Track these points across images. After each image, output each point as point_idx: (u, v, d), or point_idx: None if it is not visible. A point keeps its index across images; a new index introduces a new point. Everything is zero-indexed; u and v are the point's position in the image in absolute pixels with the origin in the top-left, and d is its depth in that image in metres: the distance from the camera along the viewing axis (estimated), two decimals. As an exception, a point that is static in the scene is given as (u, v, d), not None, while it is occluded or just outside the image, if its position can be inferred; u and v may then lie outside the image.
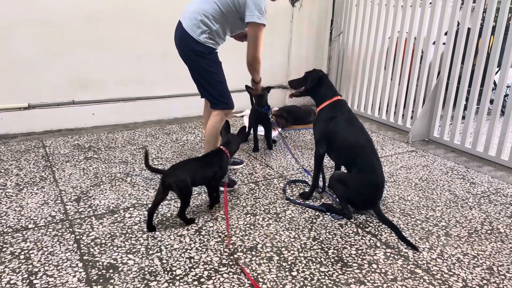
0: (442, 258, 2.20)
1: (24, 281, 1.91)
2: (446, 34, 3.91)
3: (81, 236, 2.28)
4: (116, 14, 3.93)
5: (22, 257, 2.09)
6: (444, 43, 3.95)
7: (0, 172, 3.03)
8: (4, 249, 2.14)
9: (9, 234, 2.28)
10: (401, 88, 4.32)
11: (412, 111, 4.28)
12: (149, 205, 2.50)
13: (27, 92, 3.78)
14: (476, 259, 2.21)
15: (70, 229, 2.34)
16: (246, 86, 3.36)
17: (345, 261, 2.15)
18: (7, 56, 3.62)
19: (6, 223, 2.38)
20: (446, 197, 2.90)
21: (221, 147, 2.65)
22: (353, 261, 2.15)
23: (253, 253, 2.19)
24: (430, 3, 3.99)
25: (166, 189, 2.36)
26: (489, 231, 2.48)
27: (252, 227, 2.43)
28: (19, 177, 2.96)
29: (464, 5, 3.71)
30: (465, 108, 3.82)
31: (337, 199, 2.65)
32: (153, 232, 2.33)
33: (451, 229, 2.49)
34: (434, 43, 4.03)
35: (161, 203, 2.61)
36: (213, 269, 2.05)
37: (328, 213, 2.59)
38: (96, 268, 2.02)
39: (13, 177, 2.95)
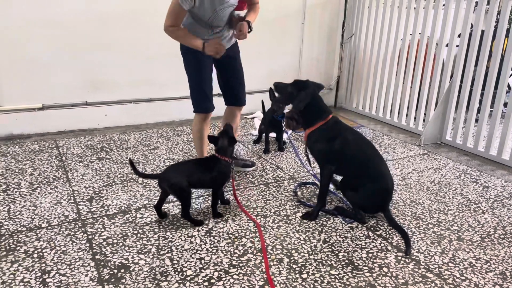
0: (454, 263, 2.18)
1: (38, 280, 1.94)
2: (459, 36, 3.88)
3: (93, 236, 2.30)
4: (128, 16, 3.97)
5: (35, 255, 2.12)
6: (457, 46, 3.91)
7: (14, 171, 3.08)
8: (18, 248, 2.17)
9: (23, 233, 2.31)
10: (413, 91, 4.29)
11: (424, 114, 4.25)
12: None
13: (41, 93, 3.83)
14: (488, 264, 2.19)
15: (82, 229, 2.37)
16: (270, 89, 3.36)
17: (356, 264, 2.14)
18: (23, 57, 3.68)
19: (20, 222, 2.41)
20: (458, 201, 2.87)
21: (215, 153, 2.55)
22: (364, 264, 2.14)
23: (263, 254, 2.19)
24: (443, 5, 3.96)
25: (165, 191, 2.43)
26: (502, 236, 2.45)
27: (262, 229, 2.43)
28: (33, 176, 3.01)
29: (477, 7, 3.68)
30: (478, 111, 3.78)
31: (348, 202, 2.64)
32: (164, 232, 2.35)
33: (463, 233, 2.46)
34: (447, 45, 4.00)
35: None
36: (223, 270, 2.05)
37: (340, 217, 2.58)
38: (108, 268, 2.04)
39: (27, 177, 2.99)
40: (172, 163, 3.24)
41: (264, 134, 3.74)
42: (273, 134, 3.80)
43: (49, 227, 2.37)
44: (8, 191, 2.78)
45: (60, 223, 2.42)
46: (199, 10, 2.56)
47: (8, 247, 2.17)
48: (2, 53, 3.60)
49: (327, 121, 2.54)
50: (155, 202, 2.51)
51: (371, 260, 2.18)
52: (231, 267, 2.08)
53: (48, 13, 3.69)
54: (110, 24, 3.92)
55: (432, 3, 4.03)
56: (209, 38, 2.67)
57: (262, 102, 3.89)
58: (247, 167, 3.23)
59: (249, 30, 2.68)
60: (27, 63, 3.71)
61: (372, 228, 2.48)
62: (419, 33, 4.17)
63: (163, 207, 2.53)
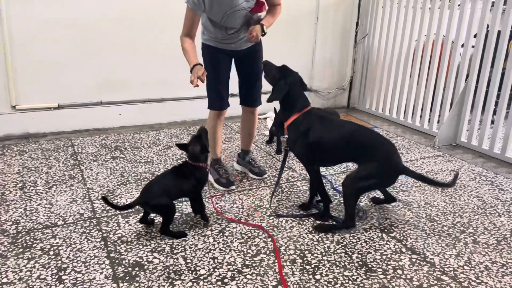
0: (470, 266, 2.16)
1: (54, 276, 1.97)
2: (475, 36, 3.83)
3: (108, 234, 2.32)
4: (143, 17, 4.01)
5: (51, 253, 2.15)
6: (473, 46, 3.87)
7: (31, 170, 3.12)
8: (34, 245, 2.20)
9: (39, 230, 2.35)
10: (427, 91, 4.25)
11: (439, 115, 4.20)
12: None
13: (57, 92, 3.88)
14: (505, 267, 2.15)
15: (97, 227, 2.39)
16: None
17: (369, 266, 2.13)
18: (39, 57, 3.74)
19: (37, 220, 2.45)
20: (474, 203, 2.83)
21: (187, 160, 2.42)
22: (378, 266, 2.13)
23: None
24: (459, 5, 3.91)
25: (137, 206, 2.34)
26: (519, 239, 2.42)
27: (275, 229, 2.43)
28: (49, 175, 3.05)
29: (494, 7, 3.63)
30: (494, 112, 3.73)
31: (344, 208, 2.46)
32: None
33: (479, 236, 2.43)
34: (462, 45, 3.95)
35: (186, 202, 2.64)
36: (236, 270, 2.06)
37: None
38: (122, 266, 2.06)
39: (43, 175, 3.04)
40: (149, 179, 2.94)
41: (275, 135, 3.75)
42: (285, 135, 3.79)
43: (65, 225, 2.40)
44: (24, 189, 2.82)
45: (76, 221, 2.45)
46: (210, 13, 2.61)
47: (25, 244, 2.21)
48: (20, 53, 3.66)
49: (302, 113, 2.46)
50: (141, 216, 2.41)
51: (385, 262, 2.16)
52: (244, 267, 2.08)
53: (65, 13, 3.74)
54: (125, 25, 3.96)
55: (447, 3, 3.99)
56: (225, 38, 2.70)
57: (274, 108, 3.90)
58: (257, 175, 3.12)
59: (263, 33, 2.68)
60: (44, 63, 3.77)
61: (386, 230, 2.46)
62: (434, 33, 4.13)
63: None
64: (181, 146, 2.45)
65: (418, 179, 2.46)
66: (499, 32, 3.66)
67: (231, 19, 2.63)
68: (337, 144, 2.41)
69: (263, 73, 2.65)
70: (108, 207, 2.59)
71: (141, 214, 2.42)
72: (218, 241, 2.29)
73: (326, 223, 2.50)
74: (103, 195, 2.49)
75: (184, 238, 2.30)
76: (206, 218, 2.46)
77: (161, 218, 2.32)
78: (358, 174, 2.39)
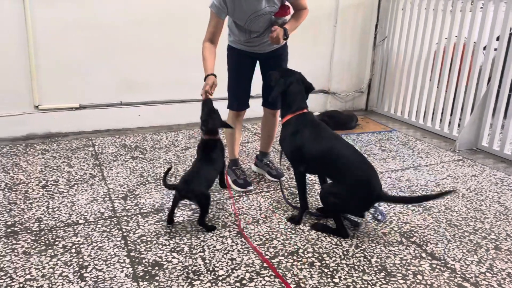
0: (492, 272, 2.12)
1: (76, 274, 2.00)
2: (497, 39, 3.77)
3: (128, 233, 2.36)
4: (163, 19, 4.05)
5: (73, 251, 2.18)
6: (495, 49, 3.80)
7: (53, 169, 3.18)
8: (56, 243, 2.25)
9: (61, 228, 2.39)
10: (448, 95, 4.19)
11: (460, 119, 4.14)
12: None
13: (78, 93, 3.95)
14: (528, 275, 2.11)
15: (117, 226, 2.43)
16: None
17: (389, 270, 2.11)
18: (62, 58, 3.81)
19: (59, 218, 2.50)
20: (495, 209, 2.78)
21: (207, 136, 2.56)
22: (397, 271, 2.11)
23: (294, 257, 2.19)
24: (481, 7, 3.85)
25: (181, 199, 2.43)
26: (542, 247, 2.37)
27: (293, 231, 2.43)
28: (70, 174, 3.10)
29: (518, 9, 3.56)
30: (517, 116, 3.66)
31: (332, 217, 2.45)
32: (196, 232, 2.38)
33: (501, 243, 2.39)
34: (484, 48, 3.89)
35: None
36: (254, 272, 2.06)
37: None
38: (142, 265, 2.09)
39: (65, 174, 3.09)
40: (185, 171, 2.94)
41: None
42: None
43: (86, 224, 2.44)
44: (47, 187, 2.88)
45: (96, 219, 2.49)
46: (233, 16, 2.65)
47: (47, 242, 2.25)
48: (43, 54, 3.74)
49: (295, 115, 2.49)
50: (169, 209, 2.45)
51: (405, 267, 2.14)
52: (263, 269, 2.09)
53: (87, 15, 3.80)
54: (146, 27, 4.01)
55: (469, 5, 3.93)
56: (248, 41, 2.75)
57: None
58: (275, 177, 3.11)
59: (285, 37, 2.69)
60: (66, 64, 3.84)
61: (405, 235, 2.44)
62: (456, 36, 4.07)
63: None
64: (206, 121, 2.53)
65: (400, 202, 2.38)
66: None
67: (254, 23, 2.65)
68: (315, 155, 2.40)
69: (267, 81, 2.70)
70: (128, 207, 2.64)
71: (166, 215, 2.46)
72: (236, 242, 2.30)
73: (322, 222, 2.51)
74: (169, 167, 2.62)
75: (203, 239, 2.32)
76: (225, 186, 2.72)
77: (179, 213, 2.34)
78: (329, 188, 2.38)
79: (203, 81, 2.62)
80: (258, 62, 2.93)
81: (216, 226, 2.45)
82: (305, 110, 2.52)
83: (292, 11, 2.77)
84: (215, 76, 2.62)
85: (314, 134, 2.42)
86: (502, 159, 3.70)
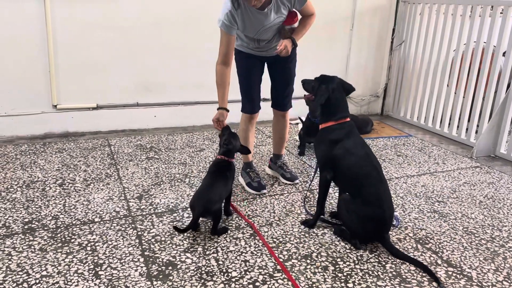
0: (509, 281, 2.08)
1: (91, 272, 2.02)
2: (518, 45, 3.71)
3: (142, 232, 2.37)
4: (181, 22, 4.09)
5: (88, 248, 2.21)
6: (515, 55, 3.74)
7: (69, 167, 3.23)
8: (72, 240, 2.28)
9: (77, 226, 2.42)
10: (466, 101, 4.13)
11: (477, 125, 4.08)
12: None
13: (96, 93, 4.00)
14: (547, 285, 2.07)
15: (132, 225, 2.45)
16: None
17: (404, 276, 2.08)
18: (81, 58, 3.87)
19: (75, 216, 2.53)
20: (514, 217, 2.74)
21: (222, 156, 2.53)
22: (412, 277, 2.08)
23: (308, 261, 2.18)
24: (501, 12, 3.80)
25: (198, 219, 2.34)
26: (562, 257, 2.31)
27: (306, 235, 2.42)
28: (87, 173, 3.14)
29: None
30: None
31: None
32: (210, 233, 2.38)
33: (519, 252, 2.35)
34: (504, 54, 3.83)
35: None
36: (268, 274, 2.06)
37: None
38: (156, 264, 2.10)
39: (81, 173, 3.13)
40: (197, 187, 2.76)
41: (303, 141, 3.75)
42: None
43: (102, 222, 2.47)
44: (63, 185, 2.92)
45: (112, 218, 2.52)
46: (243, 31, 2.69)
47: (63, 239, 2.28)
48: (62, 54, 3.80)
49: (338, 123, 2.43)
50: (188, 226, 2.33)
51: (420, 273, 2.11)
52: (276, 271, 2.08)
53: (107, 17, 3.86)
54: (164, 29, 4.05)
55: (489, 11, 3.88)
56: (256, 47, 2.78)
57: (299, 117, 3.98)
58: (288, 180, 3.10)
59: (293, 46, 2.71)
60: (85, 64, 3.89)
61: (421, 241, 2.41)
62: (474, 41, 4.02)
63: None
64: (227, 140, 2.53)
65: (395, 256, 2.23)
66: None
67: (263, 34, 2.70)
68: (350, 169, 2.34)
69: (303, 88, 2.66)
70: (143, 206, 2.66)
71: (180, 215, 2.47)
72: (249, 244, 2.30)
73: (311, 219, 2.52)
74: (174, 226, 2.43)
75: (216, 240, 2.32)
76: (230, 213, 2.60)
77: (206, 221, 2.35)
78: (348, 202, 2.33)
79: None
80: (266, 64, 2.94)
81: (229, 228, 2.45)
82: (348, 119, 2.45)
83: (299, 17, 2.78)
84: (227, 111, 2.67)
85: (352, 149, 2.36)
86: (521, 166, 3.64)
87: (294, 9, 2.69)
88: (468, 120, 4.16)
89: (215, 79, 2.69)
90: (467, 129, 4.18)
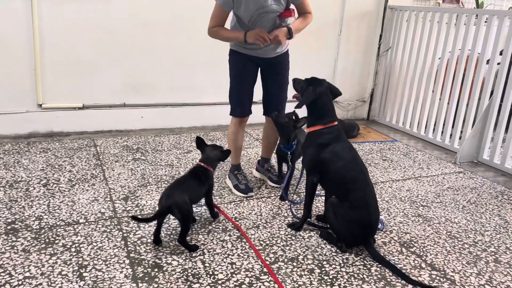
0: (491, 285, 2.12)
1: (75, 273, 2.00)
2: (501, 54, 3.79)
3: (128, 234, 2.35)
4: (171, 23, 4.07)
5: (73, 250, 2.18)
6: (498, 63, 3.82)
7: (54, 167, 3.18)
8: (56, 241, 2.24)
9: (62, 227, 2.39)
10: (450, 107, 4.21)
11: (461, 131, 4.16)
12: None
13: (82, 93, 3.96)
14: (528, 289, 2.11)
15: (118, 226, 2.43)
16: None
17: (388, 279, 2.11)
18: (68, 59, 3.82)
19: (59, 217, 2.49)
20: (495, 222, 2.79)
21: (201, 163, 2.50)
22: (397, 280, 2.11)
23: (294, 264, 2.19)
24: (486, 21, 3.88)
25: (164, 213, 2.24)
26: (542, 261, 2.37)
27: (293, 237, 2.43)
28: (72, 173, 3.10)
29: (522, 24, 3.59)
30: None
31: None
32: (196, 235, 2.37)
33: (500, 256, 2.39)
34: (487, 62, 3.91)
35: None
36: (254, 277, 2.06)
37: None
38: (142, 266, 2.08)
39: (66, 173, 3.09)
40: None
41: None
42: None
43: (86, 223, 2.44)
44: (48, 186, 2.88)
45: (97, 219, 2.49)
46: (238, 11, 2.63)
47: (47, 240, 2.25)
48: (49, 53, 3.75)
49: (326, 127, 2.42)
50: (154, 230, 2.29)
51: (404, 276, 2.14)
52: (262, 274, 2.09)
53: (95, 18, 3.82)
54: (153, 30, 4.03)
55: (473, 19, 3.96)
56: (252, 43, 2.72)
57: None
58: (277, 183, 3.10)
59: (289, 36, 2.69)
60: (72, 64, 3.85)
61: (405, 245, 2.44)
62: (459, 49, 4.10)
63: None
64: (199, 143, 2.54)
65: (380, 264, 2.22)
66: (526, 50, 3.62)
67: (259, 22, 2.64)
68: (337, 173, 2.34)
69: (293, 88, 2.64)
70: (129, 208, 2.63)
71: (153, 231, 2.30)
72: (236, 247, 2.30)
73: (298, 221, 2.53)
74: (133, 215, 2.38)
75: (203, 242, 2.32)
76: (216, 215, 2.57)
77: (202, 218, 2.33)
78: (336, 206, 2.32)
79: (245, 42, 2.64)
80: (259, 70, 2.92)
81: (216, 230, 2.44)
82: (336, 123, 2.45)
83: (296, 14, 2.78)
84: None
85: (343, 152, 2.36)
86: (503, 172, 3.71)
87: (292, 6, 2.71)
88: (452, 126, 4.23)
89: (217, 34, 2.67)
90: (451, 135, 4.25)
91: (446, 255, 2.36)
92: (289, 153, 2.94)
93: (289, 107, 3.22)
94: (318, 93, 2.43)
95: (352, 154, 2.38)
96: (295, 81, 2.62)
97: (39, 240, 2.25)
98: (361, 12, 4.88)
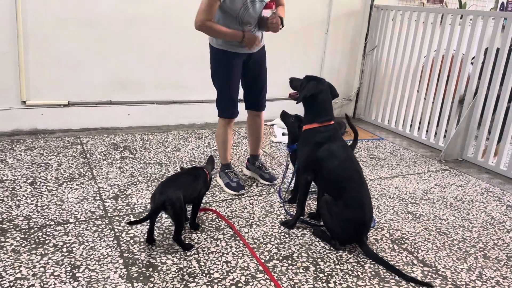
0: (481, 280, 2.17)
1: (68, 274, 1.96)
2: (485, 53, 3.88)
3: (120, 233, 2.32)
4: (157, 20, 4.02)
5: (64, 250, 2.14)
6: (483, 62, 3.91)
7: (40, 166, 3.11)
8: (47, 241, 2.19)
9: (51, 226, 2.34)
10: (435, 106, 4.28)
11: (446, 130, 4.24)
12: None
13: (68, 90, 3.88)
14: (516, 283, 2.17)
15: (109, 226, 2.39)
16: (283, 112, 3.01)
17: (382, 276, 2.13)
18: (52, 54, 3.74)
19: (48, 216, 2.44)
20: (482, 219, 2.85)
21: (204, 169, 2.52)
22: (391, 277, 2.13)
23: (289, 261, 2.19)
24: (470, 20, 3.96)
25: (158, 210, 2.17)
26: (528, 256, 2.44)
27: (287, 235, 2.44)
28: (59, 172, 3.04)
29: (506, 26, 3.67)
30: (502, 129, 3.76)
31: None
32: (190, 234, 2.36)
33: (489, 251, 2.45)
34: (472, 62, 4.00)
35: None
36: (250, 275, 2.06)
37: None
38: (136, 266, 2.06)
39: (53, 172, 3.03)
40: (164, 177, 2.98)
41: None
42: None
43: (77, 223, 2.40)
44: (35, 184, 2.81)
45: (88, 219, 2.45)
46: (227, 2, 2.57)
47: (37, 240, 2.20)
48: (33, 49, 3.66)
49: (323, 125, 2.42)
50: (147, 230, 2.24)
51: (398, 273, 2.17)
52: (258, 272, 2.09)
53: (80, 13, 3.74)
54: (140, 27, 3.97)
55: (458, 20, 4.04)
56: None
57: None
58: (267, 180, 3.11)
59: (281, 26, 2.72)
60: (56, 60, 3.77)
61: (397, 241, 2.47)
62: (444, 48, 4.17)
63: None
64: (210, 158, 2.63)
65: (374, 261, 2.24)
66: (510, 49, 3.70)
67: (249, 11, 2.62)
68: (333, 172, 2.34)
69: (290, 86, 2.66)
70: (120, 207, 2.59)
71: (147, 231, 2.25)
72: (230, 245, 2.29)
73: (291, 219, 2.53)
74: (129, 221, 2.38)
75: (196, 241, 2.30)
76: (196, 227, 2.43)
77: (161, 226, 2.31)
78: (330, 204, 2.32)
79: (241, 43, 2.65)
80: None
81: (209, 229, 2.43)
82: (332, 122, 2.45)
83: (274, 7, 2.82)
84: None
85: (338, 151, 2.36)
86: (486, 170, 3.80)
87: None
88: (437, 125, 4.31)
89: (209, 28, 2.58)
90: (435, 133, 4.33)
91: (436, 251, 2.40)
92: (289, 152, 2.94)
93: (288, 107, 3.23)
94: (319, 89, 2.44)
95: (347, 153, 2.40)
96: (293, 80, 2.63)
97: (28, 240, 2.19)
98: (348, 11, 4.92)
